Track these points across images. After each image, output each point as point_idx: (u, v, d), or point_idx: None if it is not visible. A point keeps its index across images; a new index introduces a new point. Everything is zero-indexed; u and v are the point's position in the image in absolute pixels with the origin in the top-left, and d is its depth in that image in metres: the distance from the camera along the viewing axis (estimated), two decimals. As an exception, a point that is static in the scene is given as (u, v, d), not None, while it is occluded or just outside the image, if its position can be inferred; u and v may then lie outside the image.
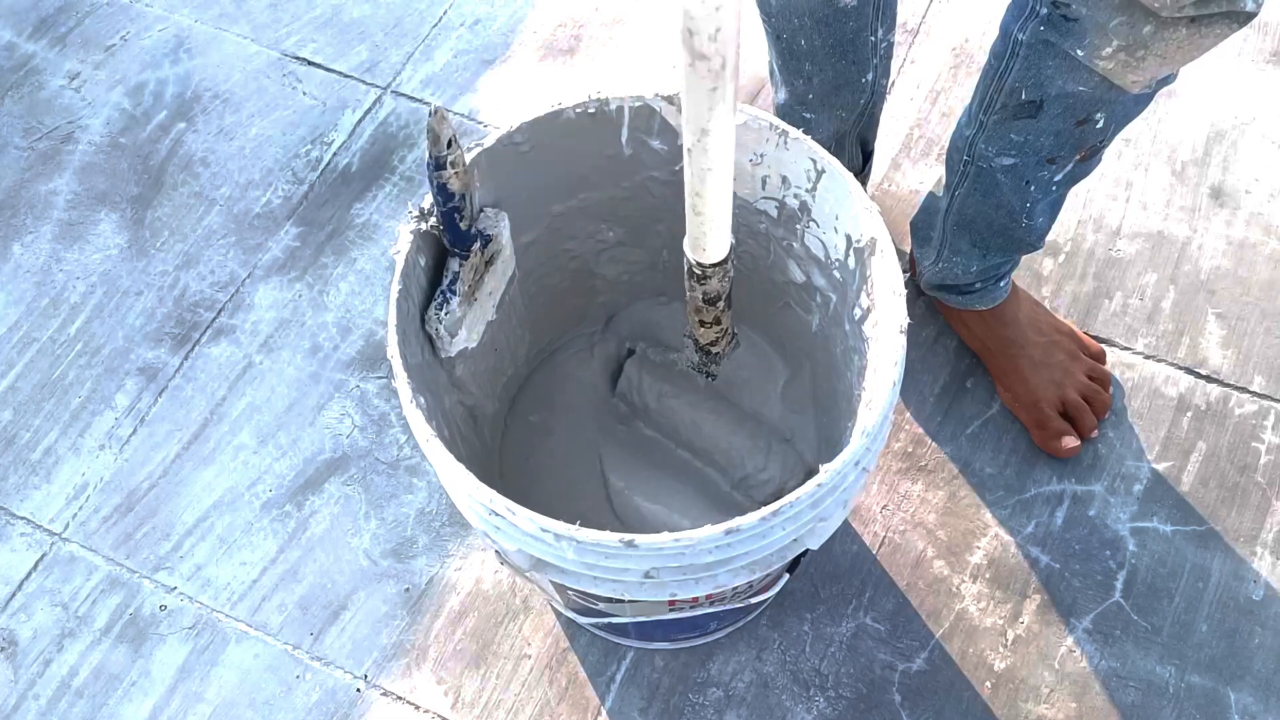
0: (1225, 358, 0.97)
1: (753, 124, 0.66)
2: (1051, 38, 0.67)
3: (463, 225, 0.63)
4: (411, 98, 1.15)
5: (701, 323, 0.71)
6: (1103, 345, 0.97)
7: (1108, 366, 0.96)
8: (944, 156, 1.10)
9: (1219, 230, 1.04)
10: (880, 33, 0.81)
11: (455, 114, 1.14)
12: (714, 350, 0.75)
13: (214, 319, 1.04)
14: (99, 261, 1.07)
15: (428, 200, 0.63)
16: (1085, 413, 0.91)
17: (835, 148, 0.92)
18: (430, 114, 0.55)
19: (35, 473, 0.97)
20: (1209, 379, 0.96)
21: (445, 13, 1.20)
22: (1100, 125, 0.72)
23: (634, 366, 0.87)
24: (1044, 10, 0.66)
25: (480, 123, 1.14)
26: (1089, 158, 0.76)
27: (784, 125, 0.65)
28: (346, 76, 1.17)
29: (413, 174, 1.11)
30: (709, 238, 0.60)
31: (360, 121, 1.14)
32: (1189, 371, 0.97)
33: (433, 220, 0.63)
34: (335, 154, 1.12)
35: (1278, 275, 1.01)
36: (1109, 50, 0.64)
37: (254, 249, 1.07)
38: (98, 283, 1.06)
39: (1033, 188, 0.78)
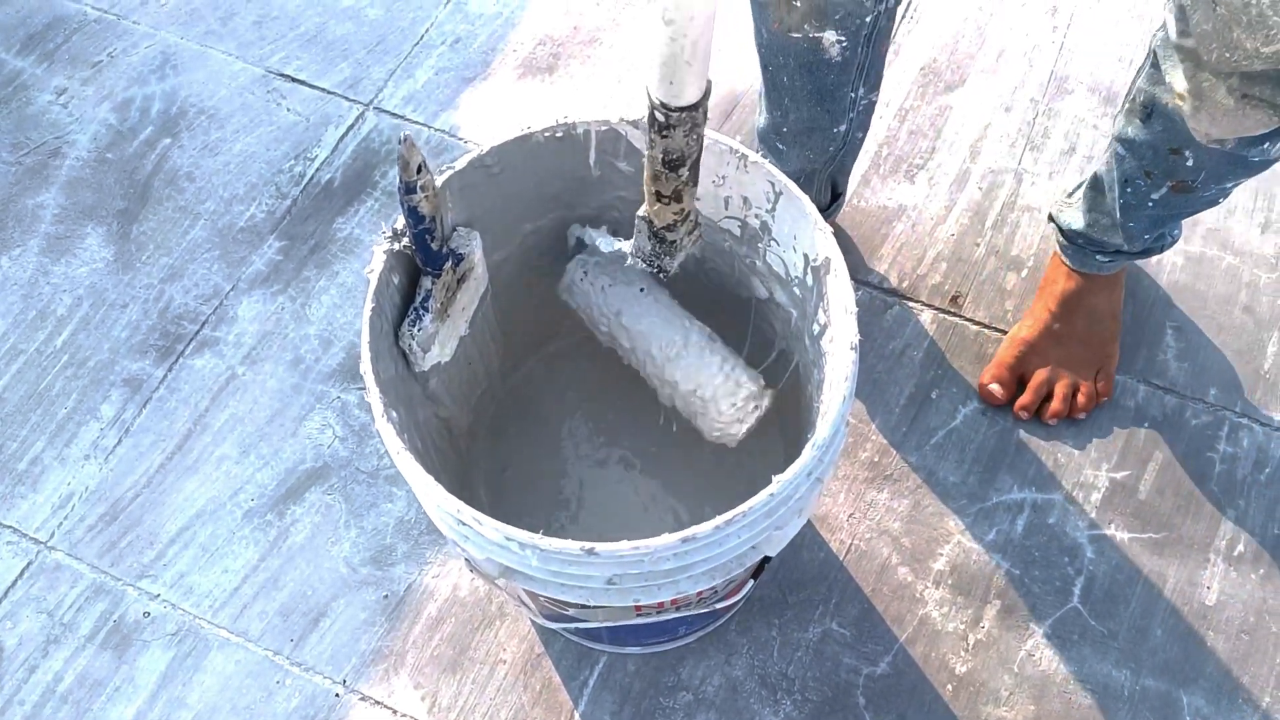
0: (1181, 369, 1.00)
1: (714, 148, 0.69)
2: (1162, 58, 0.70)
3: (434, 245, 0.65)
4: (393, 114, 1.18)
5: (659, 195, 0.60)
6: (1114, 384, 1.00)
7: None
8: (911, 174, 1.13)
9: (1177, 246, 1.06)
10: (861, 91, 0.82)
11: (436, 130, 1.17)
12: (669, 237, 0.64)
13: (198, 331, 1.06)
14: (85, 274, 1.09)
15: (400, 221, 0.66)
16: (1061, 402, 0.96)
17: (803, 182, 0.94)
18: (400, 141, 0.57)
19: (21, 482, 0.99)
20: (1166, 390, 0.99)
21: (427, 31, 1.23)
22: (1191, 165, 0.75)
23: (578, 267, 0.79)
24: (1165, 33, 0.69)
25: (461, 139, 1.16)
26: (1182, 191, 0.79)
27: (743, 149, 0.68)
28: (330, 93, 1.19)
29: (394, 189, 1.13)
30: (679, 65, 0.48)
31: (343, 137, 1.16)
32: (1146, 383, 1.00)
33: (405, 241, 0.65)
34: (318, 169, 1.14)
35: (1233, 289, 1.04)
36: (1182, 89, 0.67)
37: (238, 262, 1.09)
38: (84, 295, 1.08)
39: (1129, 190, 0.82)
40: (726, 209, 0.74)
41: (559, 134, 0.70)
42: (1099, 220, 0.91)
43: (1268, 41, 0.58)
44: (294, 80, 1.20)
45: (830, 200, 0.99)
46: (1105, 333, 0.97)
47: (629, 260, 0.71)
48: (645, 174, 0.60)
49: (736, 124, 1.15)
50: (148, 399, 1.02)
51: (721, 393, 0.76)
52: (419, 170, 0.59)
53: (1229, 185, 0.78)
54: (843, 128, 0.86)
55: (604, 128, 0.70)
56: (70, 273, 1.09)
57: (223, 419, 1.01)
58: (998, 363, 0.98)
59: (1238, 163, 0.73)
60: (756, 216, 0.72)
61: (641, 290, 0.78)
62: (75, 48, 1.23)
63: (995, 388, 0.97)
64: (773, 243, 0.73)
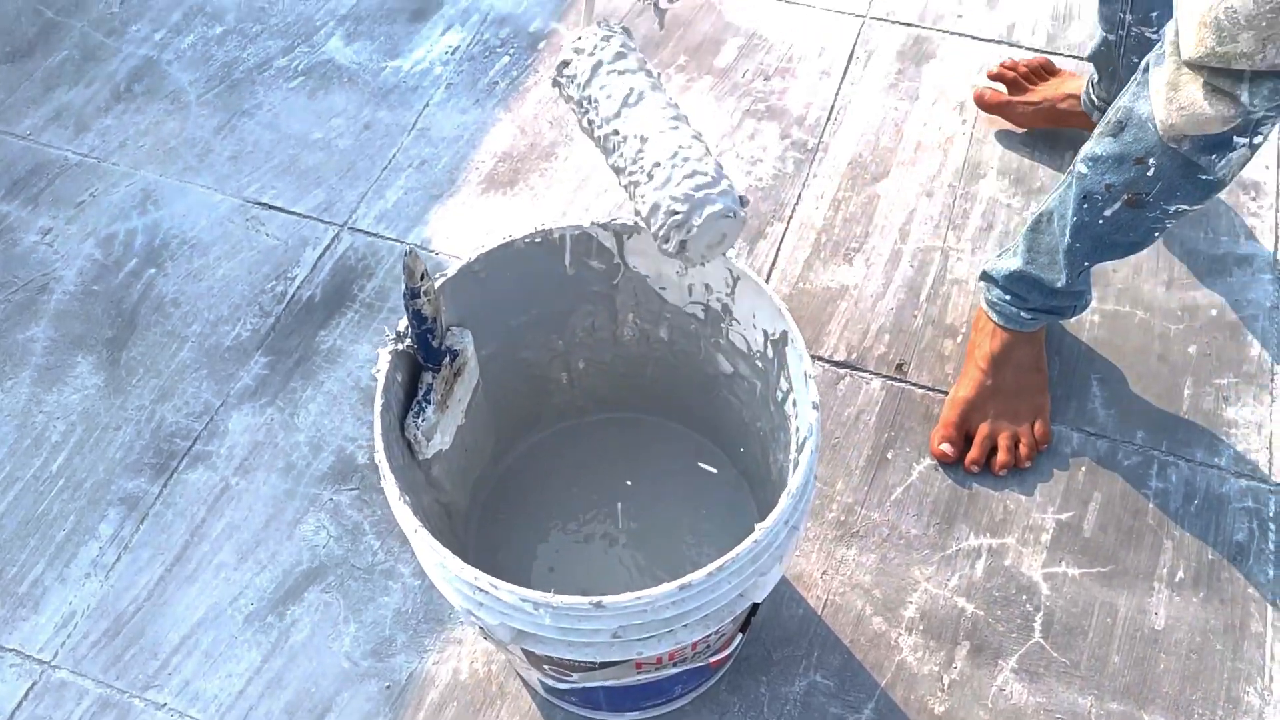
0: (1109, 416, 1.10)
1: (677, 242, 0.77)
2: (1154, 62, 0.79)
3: (434, 344, 0.73)
4: (367, 233, 1.26)
5: None
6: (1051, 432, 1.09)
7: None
8: (850, 257, 1.23)
9: (1094, 304, 1.18)
10: (1130, 17, 0.99)
11: (409, 245, 1.25)
12: None
13: (190, 447, 1.11)
14: (78, 401, 1.14)
15: (402, 324, 0.73)
16: (1006, 453, 1.05)
17: (1105, 53, 1.10)
18: (405, 254, 0.65)
19: (23, 605, 1.01)
20: (1098, 435, 1.09)
21: (394, 155, 1.33)
22: (1151, 174, 0.84)
23: (575, 43, 0.73)
24: (1163, 45, 0.79)
25: (433, 251, 1.24)
26: (1133, 206, 0.87)
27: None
28: (305, 217, 1.27)
29: (372, 301, 1.20)
30: None
31: (321, 257, 1.24)
32: (1079, 430, 1.09)
33: (408, 341, 0.73)
34: (299, 287, 1.22)
35: (1146, 340, 1.15)
36: (1160, 84, 0.77)
37: (226, 379, 1.15)
38: (77, 421, 1.13)
39: (1085, 205, 0.91)
40: (690, 295, 0.82)
41: (537, 239, 0.78)
42: (1037, 258, 1.00)
43: (1219, 44, 0.71)
44: (271, 207, 1.28)
45: (1116, 88, 1.12)
46: (1033, 384, 1.07)
47: None
48: None
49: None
50: (145, 515, 1.06)
51: (692, 166, 0.67)
52: (422, 277, 0.66)
53: (1172, 209, 0.87)
54: (1113, 38, 1.04)
55: (577, 231, 0.78)
56: (63, 400, 1.14)
57: (219, 528, 1.05)
58: (943, 423, 1.06)
59: (1190, 175, 0.82)
60: (718, 300, 0.81)
61: (640, 77, 0.71)
62: (58, 190, 1.30)
63: (946, 447, 1.05)
64: (734, 322, 0.81)
